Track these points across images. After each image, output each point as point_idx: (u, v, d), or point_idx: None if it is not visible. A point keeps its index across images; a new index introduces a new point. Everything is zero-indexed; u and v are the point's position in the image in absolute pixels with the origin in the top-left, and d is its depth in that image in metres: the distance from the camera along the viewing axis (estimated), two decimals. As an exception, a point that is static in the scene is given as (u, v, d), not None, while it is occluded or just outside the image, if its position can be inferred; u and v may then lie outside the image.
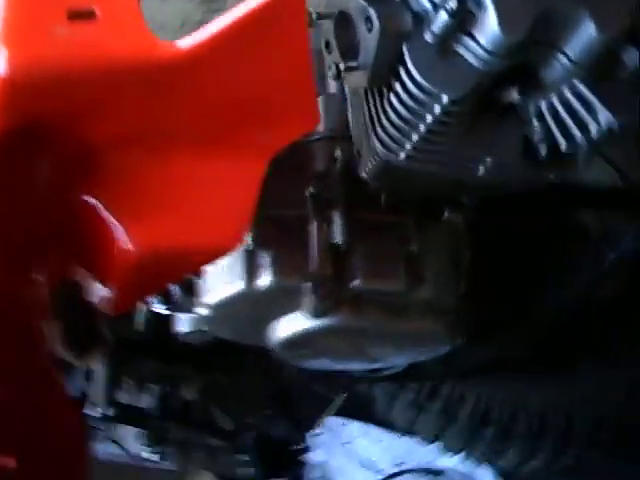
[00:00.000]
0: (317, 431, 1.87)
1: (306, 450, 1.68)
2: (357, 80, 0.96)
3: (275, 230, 1.14)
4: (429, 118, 0.92)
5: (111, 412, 1.46)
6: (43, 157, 0.85)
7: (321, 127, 1.15)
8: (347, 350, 1.29)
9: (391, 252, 1.16)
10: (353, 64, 0.94)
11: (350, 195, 1.14)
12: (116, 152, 0.89)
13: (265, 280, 1.14)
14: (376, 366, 1.40)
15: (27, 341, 0.92)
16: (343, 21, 0.94)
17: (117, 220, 0.92)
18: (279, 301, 1.17)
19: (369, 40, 0.91)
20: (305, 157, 1.15)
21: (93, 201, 0.92)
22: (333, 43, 0.97)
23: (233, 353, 1.36)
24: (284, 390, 1.57)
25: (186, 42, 0.80)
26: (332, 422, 1.86)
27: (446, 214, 1.16)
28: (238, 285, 1.15)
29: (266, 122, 0.87)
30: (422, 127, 0.93)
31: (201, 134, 0.88)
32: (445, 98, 0.89)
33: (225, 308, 1.19)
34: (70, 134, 0.84)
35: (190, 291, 1.22)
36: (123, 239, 0.93)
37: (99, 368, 1.40)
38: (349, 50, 0.95)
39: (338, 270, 1.14)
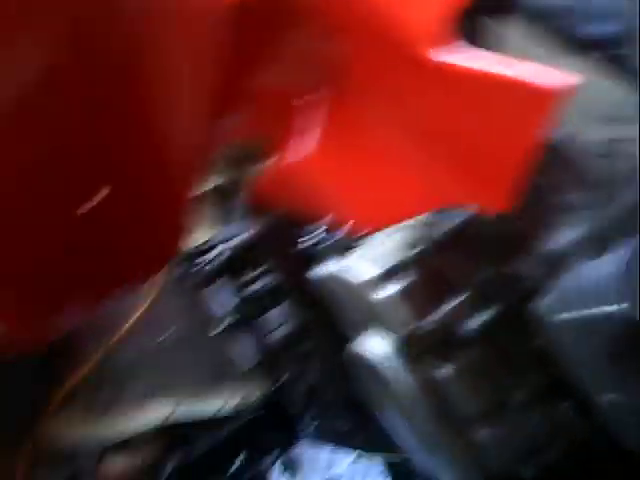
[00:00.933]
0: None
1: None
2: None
3: (443, 270, 1.10)
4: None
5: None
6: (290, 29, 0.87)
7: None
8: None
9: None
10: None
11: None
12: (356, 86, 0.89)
13: (386, 291, 1.11)
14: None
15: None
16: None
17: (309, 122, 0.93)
18: (380, 314, 1.13)
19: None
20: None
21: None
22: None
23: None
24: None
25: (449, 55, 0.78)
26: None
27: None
28: (360, 276, 1.12)
29: (460, 177, 0.84)
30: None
31: (420, 138, 0.86)
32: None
33: (339, 283, 1.18)
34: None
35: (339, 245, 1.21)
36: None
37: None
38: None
39: (442, 349, 1.09)
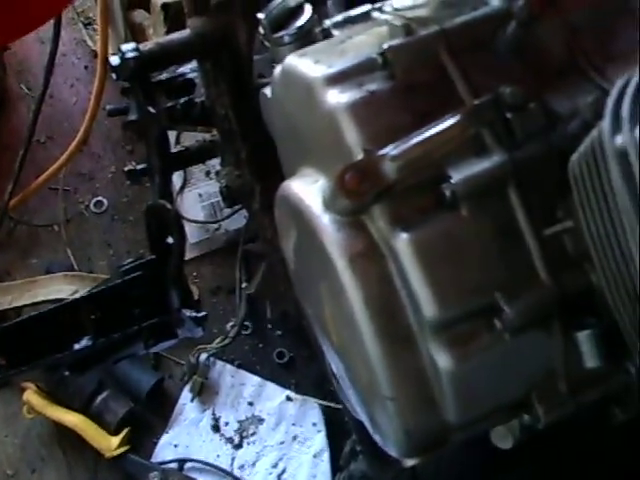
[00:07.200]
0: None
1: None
2: None
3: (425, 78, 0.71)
4: None
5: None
6: None
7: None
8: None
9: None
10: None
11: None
12: None
13: (335, 97, 0.71)
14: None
15: None
16: None
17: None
18: (324, 134, 0.73)
19: None
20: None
21: None
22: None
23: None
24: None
25: None
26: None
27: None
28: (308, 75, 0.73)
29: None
30: None
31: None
32: None
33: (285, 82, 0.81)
34: None
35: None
36: None
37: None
38: None
39: (399, 206, 0.68)
